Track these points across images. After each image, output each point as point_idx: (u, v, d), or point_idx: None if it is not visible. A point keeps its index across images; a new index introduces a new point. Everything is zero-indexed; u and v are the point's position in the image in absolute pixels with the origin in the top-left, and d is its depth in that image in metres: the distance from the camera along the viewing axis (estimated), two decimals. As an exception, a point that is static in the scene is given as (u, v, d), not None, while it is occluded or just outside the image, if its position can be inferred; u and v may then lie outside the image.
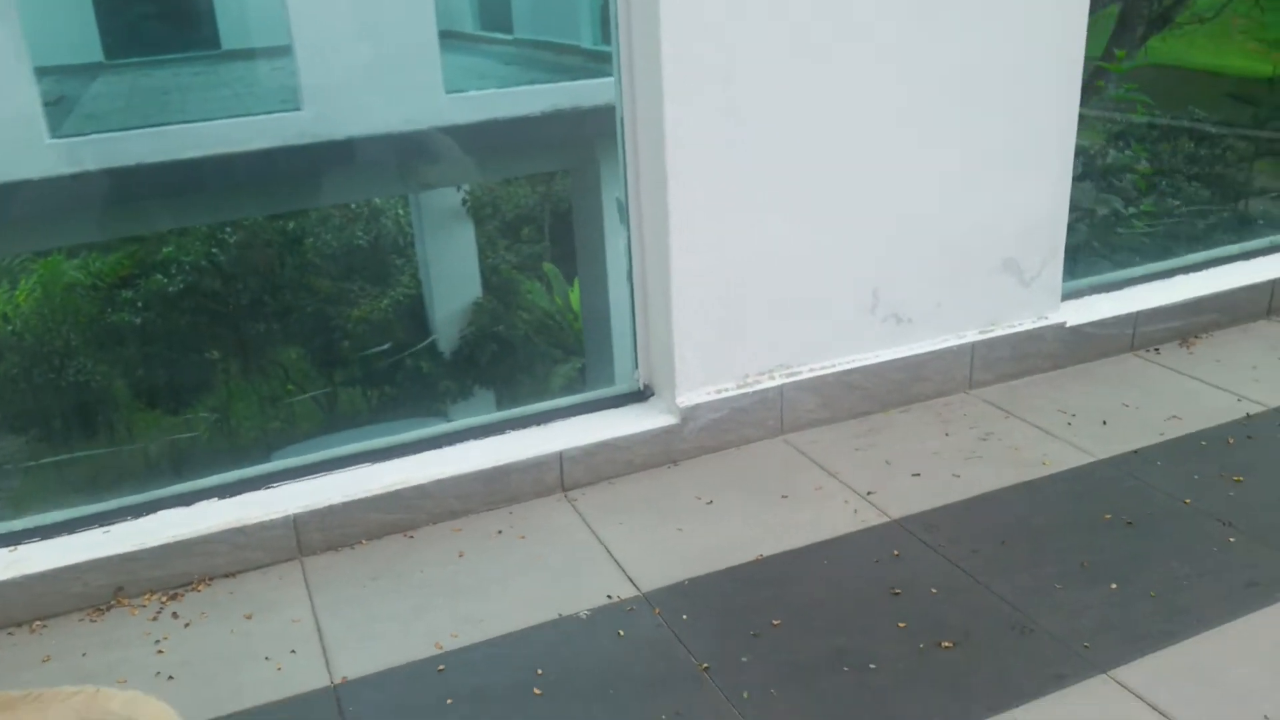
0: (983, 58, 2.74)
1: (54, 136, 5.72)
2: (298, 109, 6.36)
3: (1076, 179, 3.08)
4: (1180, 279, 3.43)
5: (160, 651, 2.12)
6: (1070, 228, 3.07)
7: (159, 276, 5.83)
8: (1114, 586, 2.16)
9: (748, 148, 2.55)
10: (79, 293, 6.28)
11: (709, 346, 2.68)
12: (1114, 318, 3.20)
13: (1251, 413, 2.86)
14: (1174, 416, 2.85)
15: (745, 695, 1.91)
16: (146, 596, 2.28)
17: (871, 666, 1.96)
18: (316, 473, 2.51)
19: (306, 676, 2.02)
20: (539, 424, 2.69)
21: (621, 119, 2.61)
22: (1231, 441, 2.72)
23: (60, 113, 6.31)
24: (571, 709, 1.90)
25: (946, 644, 2.01)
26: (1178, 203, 4.45)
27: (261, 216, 5.29)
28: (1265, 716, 1.79)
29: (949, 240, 2.88)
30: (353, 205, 5.20)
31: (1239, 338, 3.34)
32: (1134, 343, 3.26)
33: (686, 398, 2.70)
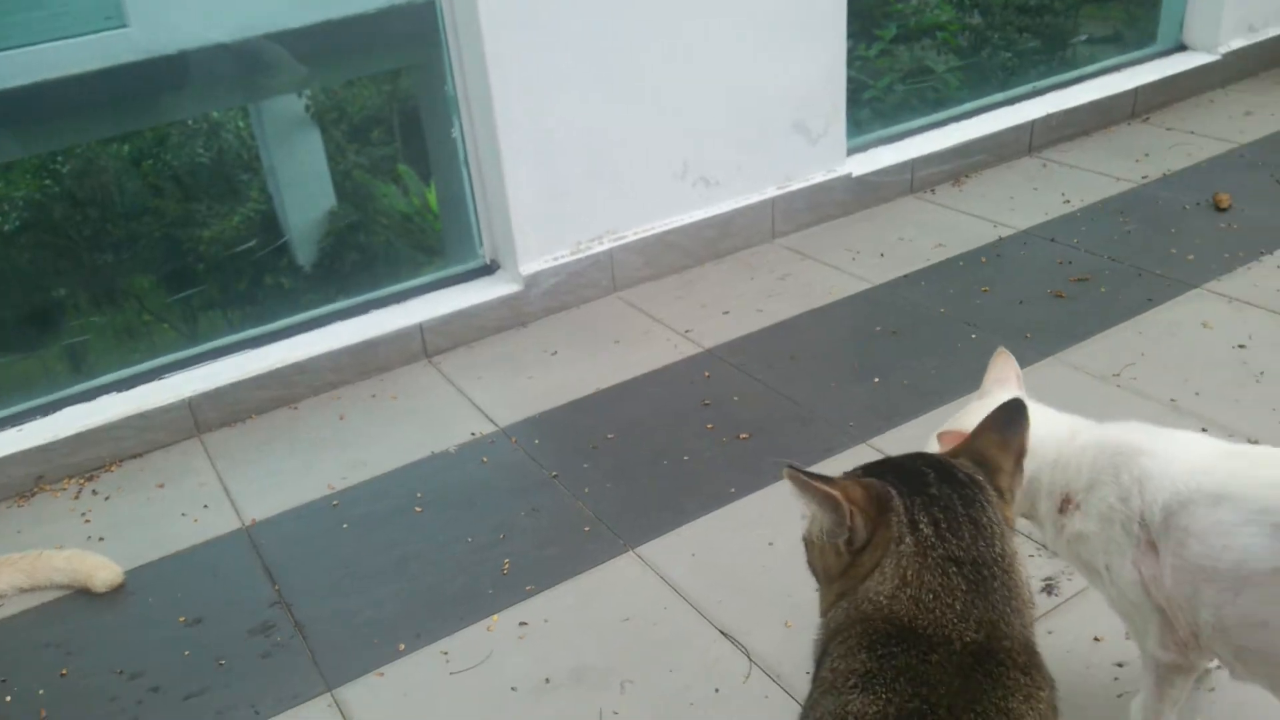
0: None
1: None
2: (124, 25, 6.26)
3: (895, 40, 3.47)
4: (952, 126, 3.95)
5: (87, 521, 2.46)
6: (889, 89, 3.51)
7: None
8: (876, 380, 2.69)
9: (559, 32, 2.88)
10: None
11: (542, 219, 3.07)
12: (893, 165, 3.70)
13: (1003, 235, 3.42)
14: (940, 244, 3.39)
15: (586, 490, 2.38)
16: (65, 481, 2.61)
17: (685, 459, 2.45)
18: (204, 361, 2.83)
19: (220, 523, 2.40)
20: (399, 301, 3.06)
21: (440, 9, 2.90)
22: (984, 260, 3.28)
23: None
24: (447, 517, 2.34)
25: (744, 435, 2.51)
26: (984, 52, 4.91)
27: (94, 142, 5.17)
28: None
29: (744, 108, 3.30)
30: (190, 121, 5.07)
31: (1004, 174, 3.90)
32: (912, 186, 3.78)
33: (527, 266, 3.09)
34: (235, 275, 4.37)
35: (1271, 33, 4.60)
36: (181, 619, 2.12)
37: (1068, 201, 3.60)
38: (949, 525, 1.02)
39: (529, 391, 2.81)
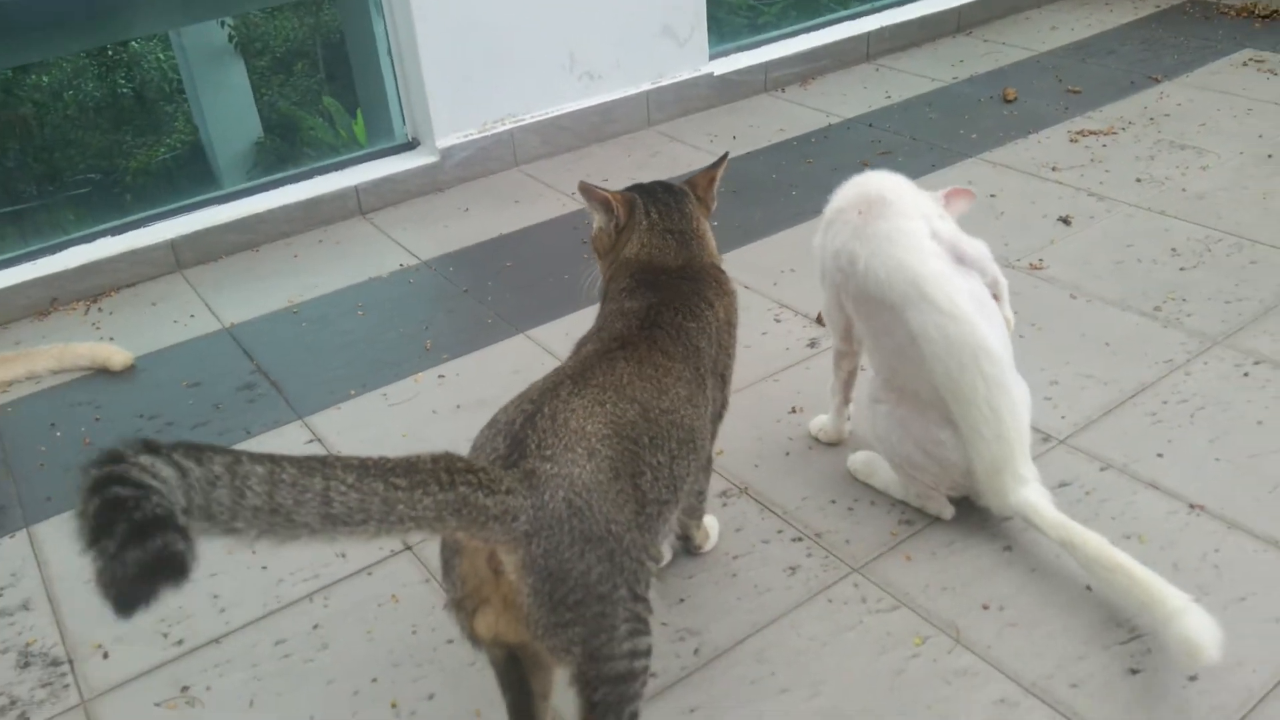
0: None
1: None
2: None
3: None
4: (801, 36, 4.72)
5: (97, 328, 3.15)
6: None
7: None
8: (716, 224, 3.48)
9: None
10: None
11: (454, 102, 3.78)
12: (751, 67, 4.47)
13: (832, 123, 4.22)
14: (781, 129, 4.18)
15: (489, 299, 3.14)
16: (75, 303, 3.29)
17: (565, 277, 3.22)
18: (182, 213, 3.51)
19: (205, 325, 3.12)
20: (338, 170, 3.76)
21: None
22: (814, 141, 4.07)
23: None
24: (383, 316, 3.09)
25: (610, 260, 3.29)
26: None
27: (8, 72, 4.98)
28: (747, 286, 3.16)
29: (621, 12, 4.02)
30: (109, 51, 4.72)
31: (844, 77, 4.70)
32: (767, 85, 4.56)
33: (442, 141, 3.81)
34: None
35: (1080, -38, 5.44)
36: (184, 383, 2.84)
37: (889, 97, 4.41)
38: (666, 213, 1.81)
39: (446, 236, 3.55)
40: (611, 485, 1.37)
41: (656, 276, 1.77)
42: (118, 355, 2.93)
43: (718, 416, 1.82)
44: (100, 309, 3.26)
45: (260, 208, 3.54)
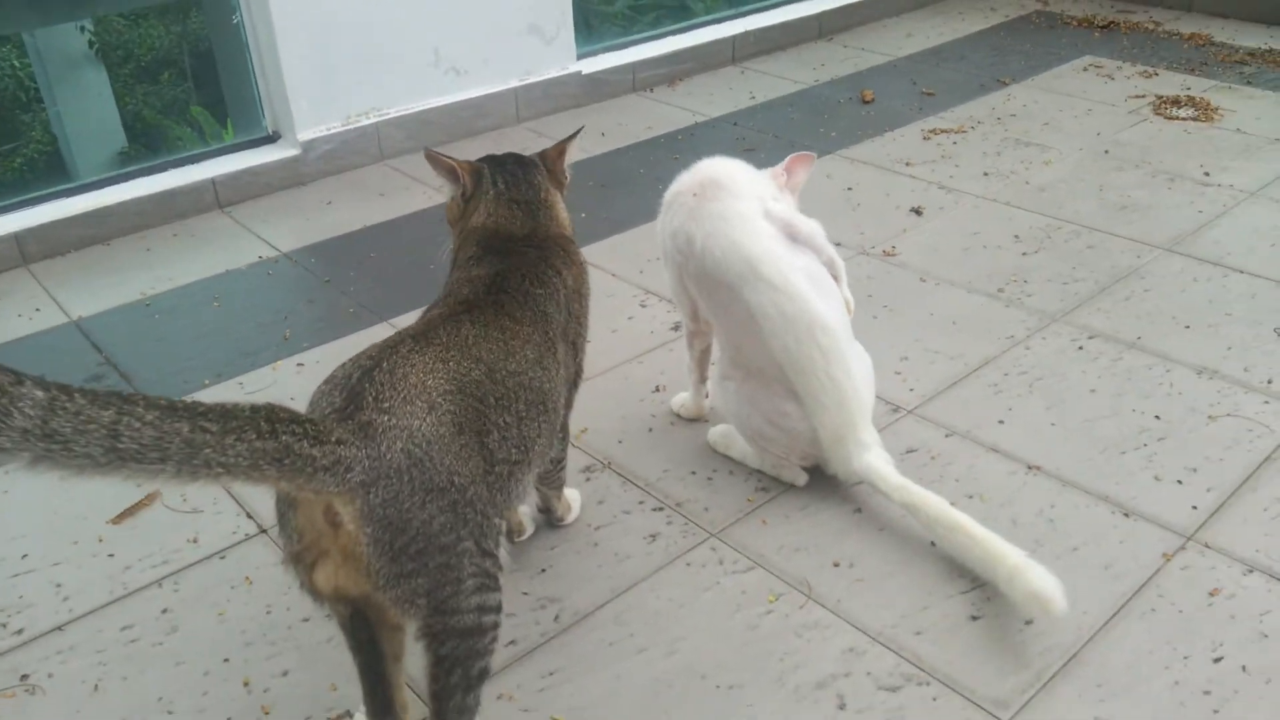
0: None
1: None
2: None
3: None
4: (670, 39, 4.81)
5: (-69, 324, 2.99)
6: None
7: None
8: (584, 215, 3.51)
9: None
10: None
11: (316, 96, 3.72)
12: (618, 67, 4.53)
13: (699, 121, 4.30)
14: (649, 128, 4.25)
15: (352, 289, 3.09)
16: (-95, 298, 3.11)
17: (431, 266, 3.20)
18: (28, 205, 3.35)
19: (51, 319, 2.98)
20: (195, 162, 3.65)
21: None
22: (680, 138, 4.15)
23: None
24: (240, 308, 3.01)
25: (476, 250, 3.28)
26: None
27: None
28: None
29: (486, 10, 4.03)
30: None
31: (710, 78, 4.80)
32: (635, 85, 4.62)
33: (304, 134, 3.74)
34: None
35: (934, -28, 5.69)
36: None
37: (753, 98, 4.53)
38: (513, 183, 1.82)
39: (307, 229, 3.48)
40: (455, 440, 1.37)
41: (504, 244, 1.78)
42: (-48, 349, 2.78)
43: (572, 384, 1.84)
44: (-66, 304, 3.09)
45: (111, 200, 3.41)
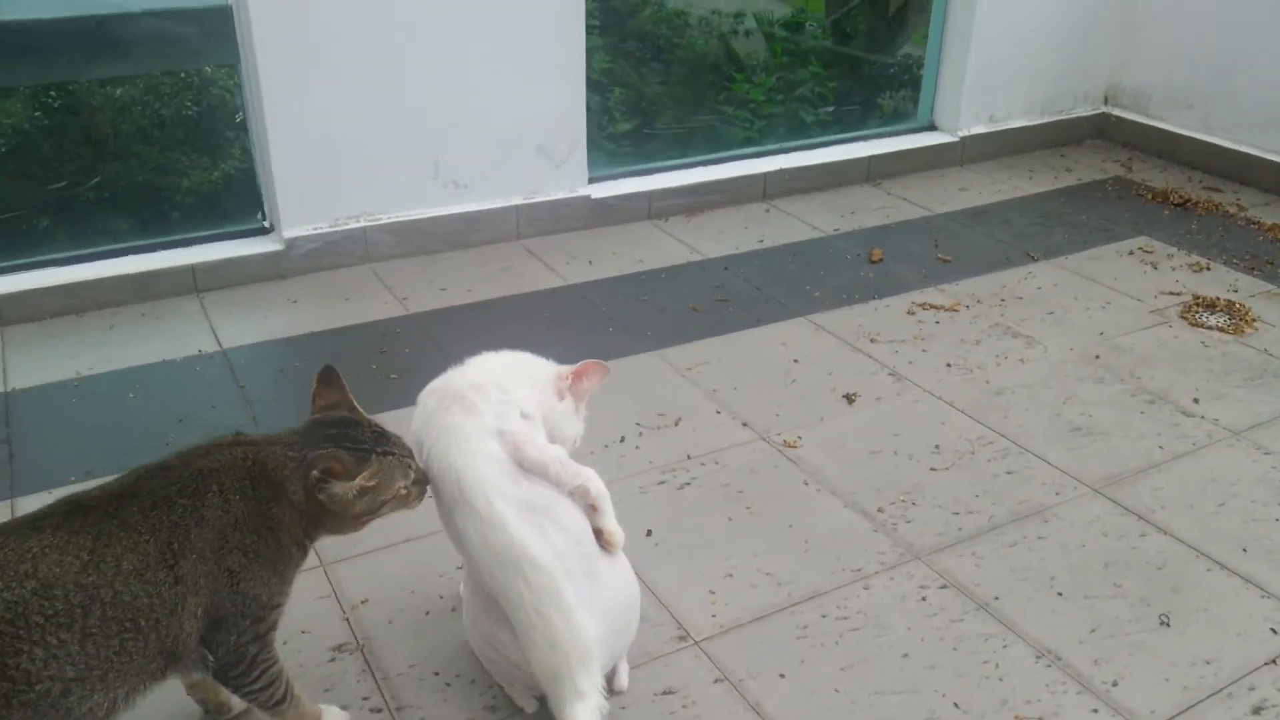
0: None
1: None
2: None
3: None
4: (696, 169, 4.77)
5: (-110, 375, 3.27)
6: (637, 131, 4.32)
7: (98, 108, 5.89)
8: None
9: (324, 49, 3.69)
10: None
11: (306, 195, 3.88)
12: (632, 194, 4.53)
13: (692, 260, 4.24)
14: (640, 260, 4.22)
15: (257, 399, 3.20)
16: (-115, 345, 3.42)
17: (374, 366, 3.26)
18: (17, 271, 3.64)
19: (-15, 387, 3.22)
20: (182, 246, 3.87)
21: (235, 27, 3.72)
22: (663, 277, 4.10)
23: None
24: (147, 405, 3.16)
25: (394, 376, 3.33)
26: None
27: (91, 81, 5.21)
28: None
29: (491, 129, 4.12)
30: (182, 74, 5.16)
31: (732, 213, 4.73)
32: (650, 213, 4.61)
33: (290, 232, 3.91)
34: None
35: (1014, 124, 5.45)
36: (-71, 445, 2.94)
37: (761, 241, 4.44)
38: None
39: (260, 326, 3.63)
40: None
41: (222, 447, 1.80)
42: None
43: (240, 612, 1.76)
44: (-96, 355, 3.38)
45: (91, 275, 3.66)
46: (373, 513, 1.89)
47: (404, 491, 1.91)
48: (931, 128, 5.39)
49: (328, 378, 1.97)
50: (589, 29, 4.19)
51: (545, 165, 4.29)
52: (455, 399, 2.01)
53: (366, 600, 2.39)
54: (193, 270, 3.79)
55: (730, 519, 2.72)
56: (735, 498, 2.79)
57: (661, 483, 2.86)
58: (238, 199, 4.09)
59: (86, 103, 4.46)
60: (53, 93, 4.51)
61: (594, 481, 2.06)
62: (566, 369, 2.19)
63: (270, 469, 1.81)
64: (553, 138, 4.25)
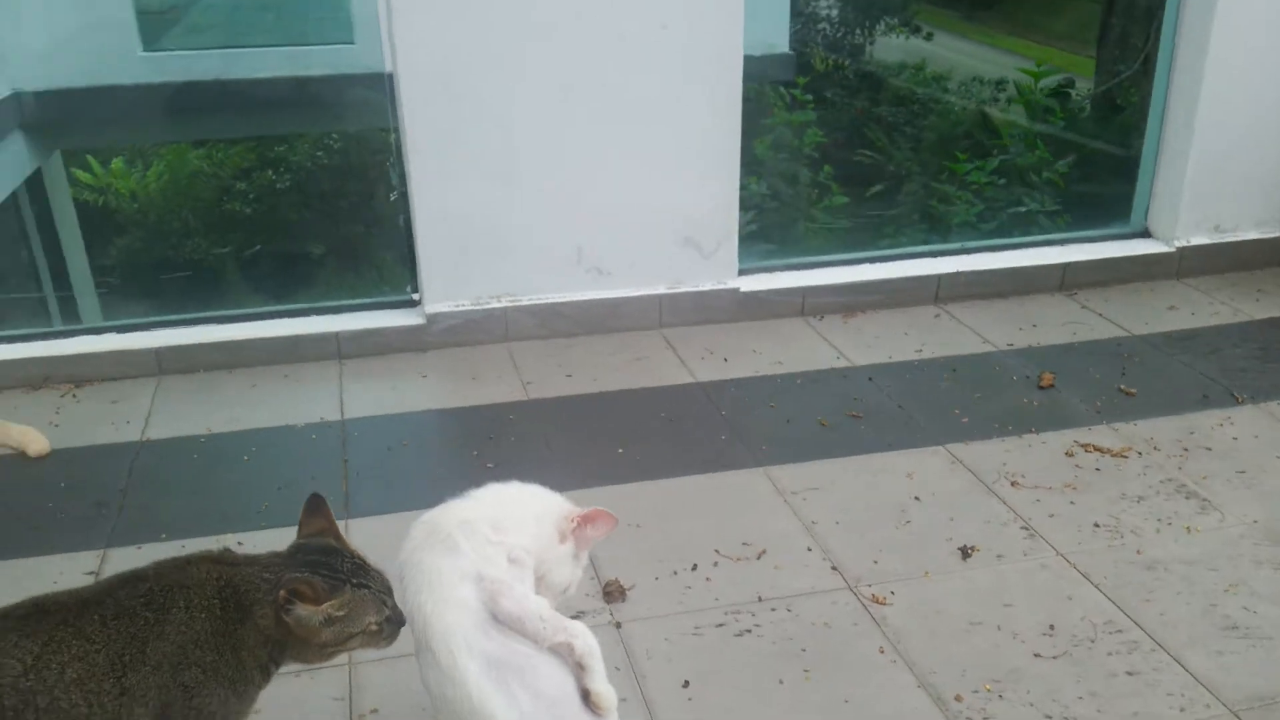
0: (659, 93, 3.88)
1: (147, 49, 7.12)
2: (351, 43, 7.55)
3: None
4: (861, 266, 4.51)
5: (57, 411, 3.59)
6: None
7: (269, 172, 6.84)
8: (620, 451, 3.39)
9: (471, 138, 3.77)
10: (201, 180, 7.30)
11: (449, 274, 3.96)
12: (785, 289, 4.33)
13: (836, 366, 3.97)
14: (779, 362, 4.00)
15: (359, 475, 3.25)
16: (64, 385, 3.76)
17: (442, 474, 3.27)
18: (181, 325, 3.93)
19: (128, 435, 3.46)
20: (332, 313, 4.05)
21: (391, 107, 3.87)
22: (799, 382, 3.87)
23: (164, 24, 7.61)
24: (259, 469, 3.28)
25: (490, 465, 3.29)
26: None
27: (267, 137, 6.15)
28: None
29: (638, 220, 4.05)
30: (336, 142, 5.66)
31: (896, 316, 4.42)
32: (803, 310, 4.38)
33: (432, 307, 4.00)
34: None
35: (1243, 235, 4.80)
36: (61, 483, 3.18)
37: (919, 351, 4.10)
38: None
39: (384, 399, 3.71)
40: None
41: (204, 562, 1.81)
42: (35, 443, 3.32)
43: None
44: (75, 396, 3.70)
45: (247, 335, 3.89)
46: (339, 644, 1.83)
47: (374, 628, 1.83)
48: (1145, 234, 4.84)
49: (314, 505, 1.94)
50: (803, 103, 4.05)
51: (693, 256, 4.17)
52: (440, 536, 1.93)
53: (376, 710, 2.34)
54: (337, 337, 3.95)
55: (782, 682, 2.47)
56: (795, 656, 2.54)
57: (721, 625, 2.65)
58: (389, 270, 4.24)
59: (262, 163, 4.75)
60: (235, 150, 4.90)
61: (580, 638, 1.91)
62: (576, 511, 2.06)
63: (243, 590, 1.79)
64: (703, 230, 4.13)
